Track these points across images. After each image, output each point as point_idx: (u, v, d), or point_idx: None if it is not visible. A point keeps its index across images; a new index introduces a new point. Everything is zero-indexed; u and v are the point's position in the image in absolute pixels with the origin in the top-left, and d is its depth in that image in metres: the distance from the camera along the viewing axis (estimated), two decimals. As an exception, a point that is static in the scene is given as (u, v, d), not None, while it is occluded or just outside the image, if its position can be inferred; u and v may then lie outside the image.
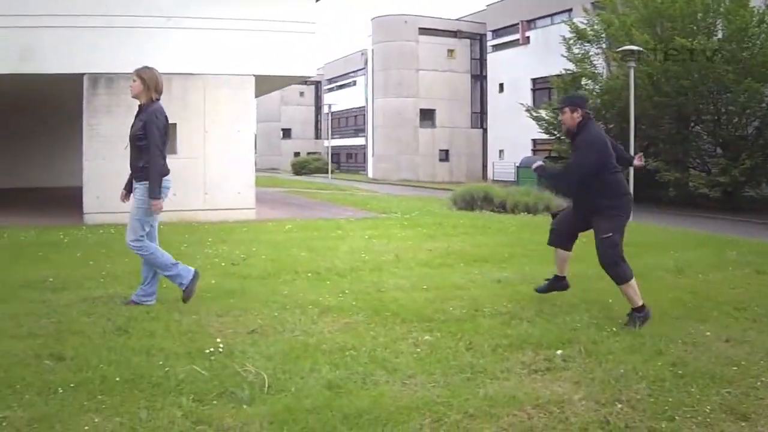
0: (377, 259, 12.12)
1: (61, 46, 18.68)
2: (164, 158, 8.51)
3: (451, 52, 63.17)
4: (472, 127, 61.76)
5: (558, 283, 9.01)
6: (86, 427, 4.84)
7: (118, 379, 5.72)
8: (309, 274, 10.71)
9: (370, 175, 65.05)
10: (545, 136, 45.01)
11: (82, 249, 13.21)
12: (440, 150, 60.86)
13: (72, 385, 5.59)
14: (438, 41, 62.80)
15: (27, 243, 14.17)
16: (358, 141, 77.93)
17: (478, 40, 63.96)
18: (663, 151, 35.34)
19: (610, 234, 8.25)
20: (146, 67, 8.67)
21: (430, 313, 8.19)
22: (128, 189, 8.83)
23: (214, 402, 5.37)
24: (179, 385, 5.68)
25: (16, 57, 18.11)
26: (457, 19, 66.82)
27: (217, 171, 19.74)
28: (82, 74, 19.04)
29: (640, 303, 8.18)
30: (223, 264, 11.66)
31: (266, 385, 5.66)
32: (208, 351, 6.59)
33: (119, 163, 18.62)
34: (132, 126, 8.50)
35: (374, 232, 16.27)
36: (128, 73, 18.53)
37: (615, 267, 8.22)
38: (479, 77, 63.51)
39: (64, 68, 18.99)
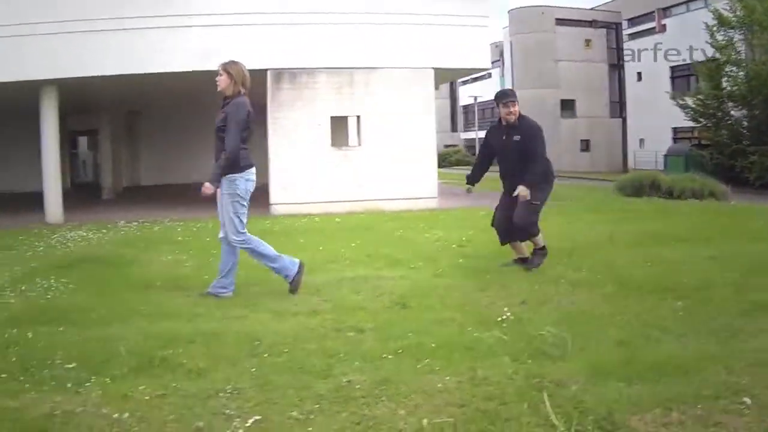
0: (592, 240, 12.52)
1: (244, 43, 19.36)
2: (249, 150, 8.68)
3: (587, 42, 62.69)
4: (611, 117, 61.05)
5: (523, 263, 10.13)
6: (439, 385, 5.26)
7: (433, 345, 6.17)
8: (540, 253, 11.18)
9: (511, 165, 65.04)
10: (687, 125, 44.65)
11: (298, 235, 13.92)
12: (581, 140, 60.41)
13: (402, 350, 6.09)
14: (575, 31, 62.29)
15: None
16: (496, 133, 77.39)
17: (613, 29, 63.33)
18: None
19: (539, 203, 9.91)
20: (232, 62, 8.91)
21: (668, 284, 8.53)
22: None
23: (529, 361, 5.75)
24: (491, 348, 6.11)
25: (200, 55, 18.91)
26: (592, 9, 66.33)
27: (401, 161, 20.20)
28: (266, 70, 19.78)
29: (543, 244, 10.05)
30: (454, 246, 12.24)
31: (569, 345, 6.06)
32: (499, 319, 7.04)
33: (303, 155, 19.63)
34: (216, 117, 8.71)
35: (565, 218, 16.57)
36: (311, 68, 19.73)
37: (532, 227, 9.86)
38: (616, 66, 62.99)
39: (247, 64, 19.71)
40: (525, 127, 9.87)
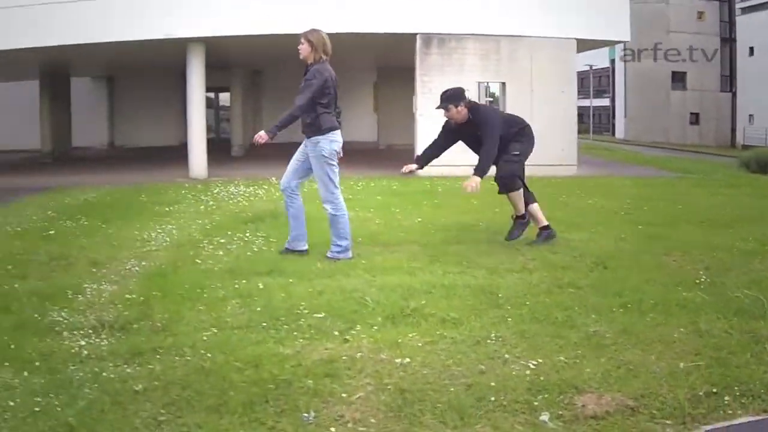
0: (743, 213, 12.82)
1: (395, 7, 20.08)
2: (332, 113, 8.82)
3: (700, 14, 62.03)
4: (721, 91, 60.70)
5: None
6: (675, 335, 5.83)
7: (651, 302, 6.73)
8: (703, 223, 11.61)
9: (619, 135, 64.74)
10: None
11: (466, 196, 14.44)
12: (690, 113, 60.03)
13: (628, 305, 6.66)
14: (688, 3, 61.48)
15: (412, 191, 15.92)
16: (600, 102, 77.13)
17: (726, 2, 62.62)
18: None
19: (518, 153, 9.71)
20: (313, 30, 8.90)
21: (832, 259, 8.79)
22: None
23: (735, 318, 6.25)
24: (699, 306, 6.63)
25: (349, 18, 19.78)
26: (706, -19, 65.58)
27: (543, 128, 20.10)
28: (415, 34, 20.39)
29: (545, 222, 9.87)
30: (621, 213, 12.78)
31: (766, 305, 6.50)
32: (696, 281, 7.58)
33: (450, 118, 20.17)
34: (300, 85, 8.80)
35: (705, 190, 16.99)
36: (459, 35, 20.28)
37: (513, 178, 9.61)
38: (728, 40, 62.24)
39: (398, 28, 20.41)
40: (481, 123, 9.66)
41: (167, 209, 13.63)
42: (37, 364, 5.29)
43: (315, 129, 8.79)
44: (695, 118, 60.09)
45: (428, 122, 20.02)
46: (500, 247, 9.67)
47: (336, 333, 5.95)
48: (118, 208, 13.92)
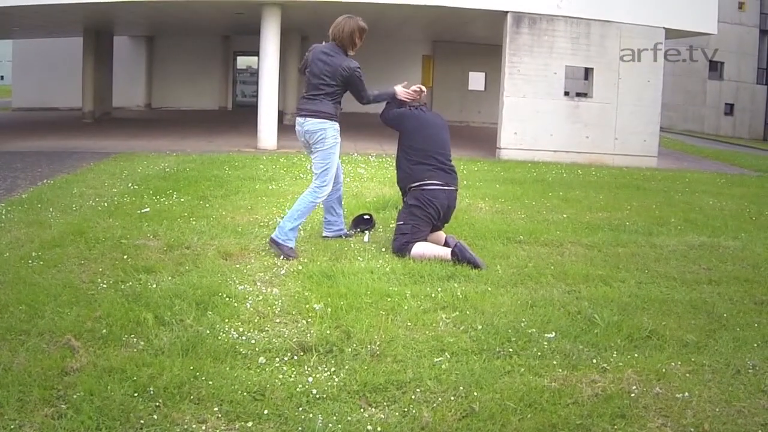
0: None
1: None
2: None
3: (741, 4, 60.93)
4: (757, 83, 59.66)
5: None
6: None
7: None
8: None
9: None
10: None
11: (567, 189, 13.63)
12: (726, 104, 58.99)
13: None
14: (729, -7, 60.82)
15: (524, 179, 14.89)
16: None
17: (767, -6, 61.71)
18: None
19: (403, 222, 8.12)
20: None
21: None
22: None
23: None
24: None
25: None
26: (749, -28, 64.54)
27: (628, 117, 19.85)
28: (506, 12, 19.49)
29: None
30: (752, 217, 11.64)
31: None
32: None
33: (536, 101, 19.41)
34: None
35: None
36: (550, 15, 19.42)
37: (402, 252, 7.93)
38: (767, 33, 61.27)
39: (489, 5, 19.57)
40: None
41: (270, 187, 12.21)
42: (265, 411, 4.20)
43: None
44: (730, 109, 59.08)
45: (513, 104, 19.37)
46: (661, 252, 8.69)
47: (587, 360, 5.14)
48: (207, 182, 12.47)
